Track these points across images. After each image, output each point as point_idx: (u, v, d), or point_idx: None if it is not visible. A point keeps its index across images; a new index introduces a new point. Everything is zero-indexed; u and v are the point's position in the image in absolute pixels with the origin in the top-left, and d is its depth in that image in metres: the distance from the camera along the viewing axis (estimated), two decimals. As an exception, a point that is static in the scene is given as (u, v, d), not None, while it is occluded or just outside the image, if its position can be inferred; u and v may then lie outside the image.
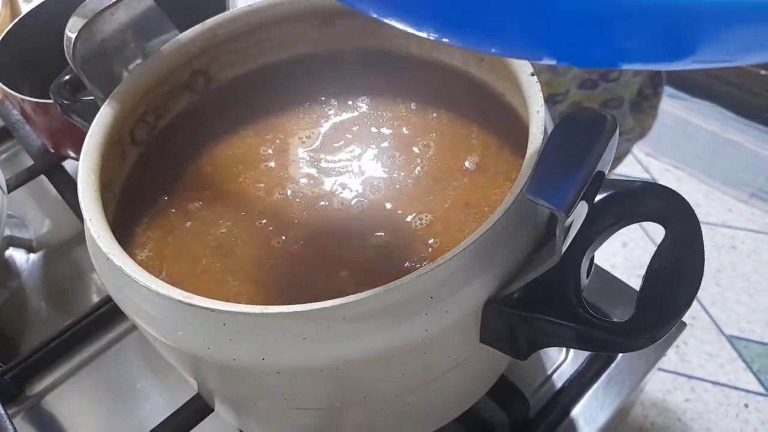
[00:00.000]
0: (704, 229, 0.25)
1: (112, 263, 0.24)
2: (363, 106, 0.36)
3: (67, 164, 0.53)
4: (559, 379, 0.40)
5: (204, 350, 0.24)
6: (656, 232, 1.29)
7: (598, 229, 0.26)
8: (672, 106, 1.53)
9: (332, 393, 0.26)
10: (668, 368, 1.10)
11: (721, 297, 1.19)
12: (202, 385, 0.31)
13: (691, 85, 1.53)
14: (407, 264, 0.27)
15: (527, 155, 0.26)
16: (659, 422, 1.06)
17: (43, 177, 0.53)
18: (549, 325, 0.24)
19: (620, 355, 0.40)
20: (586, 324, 0.23)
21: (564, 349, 0.41)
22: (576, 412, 0.39)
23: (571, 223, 0.21)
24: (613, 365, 0.40)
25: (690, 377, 1.11)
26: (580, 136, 0.22)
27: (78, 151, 0.50)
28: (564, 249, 0.21)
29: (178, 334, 0.24)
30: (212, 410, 0.36)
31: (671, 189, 0.26)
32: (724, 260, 1.24)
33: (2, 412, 0.38)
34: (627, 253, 1.26)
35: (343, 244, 0.29)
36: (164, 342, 0.25)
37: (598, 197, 0.26)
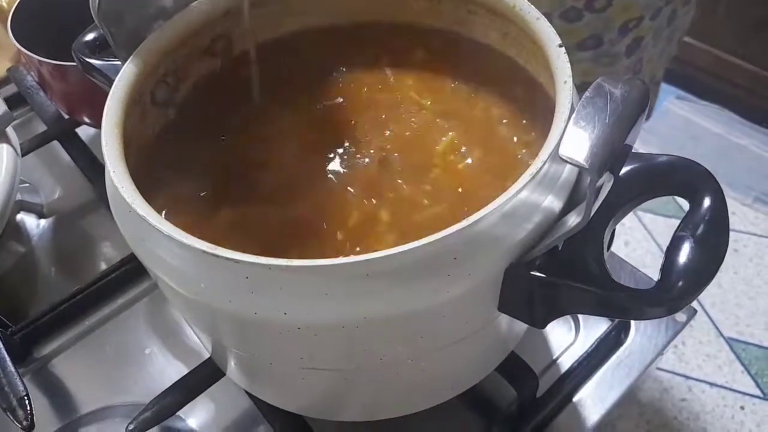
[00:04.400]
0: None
1: (136, 213, 0.24)
2: (384, 76, 0.36)
3: (81, 131, 0.53)
4: (568, 360, 0.40)
5: (226, 303, 0.24)
6: (659, 231, 1.29)
7: (622, 200, 0.26)
8: (679, 107, 1.53)
9: (350, 352, 0.26)
10: (666, 368, 1.11)
11: (721, 299, 1.19)
12: (217, 342, 0.31)
13: (699, 88, 1.53)
14: (428, 225, 0.27)
15: (554, 123, 0.25)
16: (656, 420, 1.07)
17: (55, 143, 0.53)
18: (571, 290, 0.24)
19: (629, 337, 0.40)
20: (608, 289, 0.23)
21: (573, 330, 0.41)
22: (584, 392, 0.39)
23: (601, 186, 0.21)
24: (622, 348, 0.40)
25: (687, 377, 1.11)
26: (613, 104, 0.22)
27: (93, 116, 0.50)
28: (593, 212, 0.21)
29: (200, 287, 0.24)
30: (223, 375, 0.36)
31: (697, 162, 0.26)
32: (726, 262, 1.23)
33: (12, 369, 0.38)
34: (629, 252, 1.26)
35: (366, 201, 0.29)
36: (185, 295, 0.25)
37: (624, 170, 0.26)
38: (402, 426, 0.34)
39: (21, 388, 0.37)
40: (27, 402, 0.36)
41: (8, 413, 0.35)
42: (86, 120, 0.51)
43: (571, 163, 0.20)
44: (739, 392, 1.09)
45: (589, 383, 0.39)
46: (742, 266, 1.24)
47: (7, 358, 0.39)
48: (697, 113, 1.52)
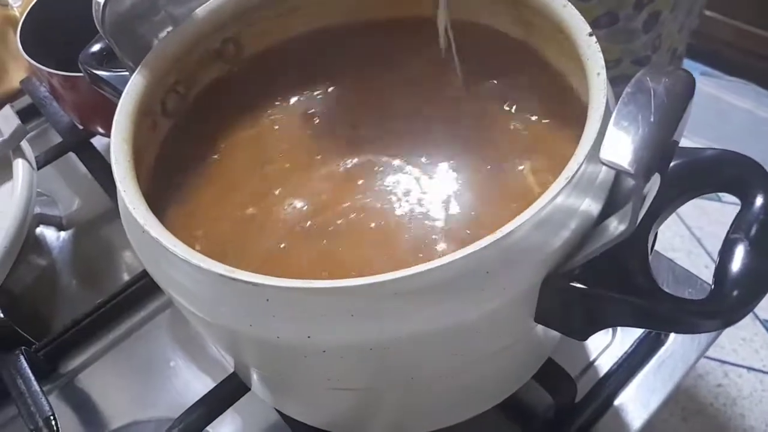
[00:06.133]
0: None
1: (149, 235, 0.23)
2: (401, 76, 0.35)
3: (96, 141, 0.52)
4: (606, 362, 0.38)
5: (246, 327, 0.23)
6: (689, 214, 1.25)
7: (666, 200, 0.24)
8: (705, 84, 1.48)
9: (378, 373, 0.25)
10: (700, 353, 1.08)
11: (756, 280, 1.16)
12: (239, 362, 0.29)
13: (724, 63, 1.48)
14: (458, 239, 0.26)
15: (588, 120, 0.24)
16: (690, 407, 1.04)
17: (71, 154, 0.52)
18: (614, 302, 0.22)
19: (671, 337, 0.38)
20: (656, 300, 0.21)
21: (610, 330, 0.40)
22: (625, 396, 0.37)
23: (648, 191, 0.20)
24: (663, 348, 0.38)
25: (723, 362, 1.08)
26: (657, 100, 0.20)
27: (106, 127, 0.49)
28: (639, 219, 0.20)
29: (219, 310, 0.23)
30: (249, 389, 0.35)
31: (747, 156, 0.24)
32: (760, 242, 1.20)
33: (38, 389, 0.37)
34: (659, 235, 1.23)
35: (387, 216, 0.27)
36: (203, 318, 0.24)
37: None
38: (435, 437, 0.33)
39: (47, 408, 0.36)
40: (53, 422, 0.36)
41: (35, 435, 0.34)
42: (99, 130, 0.50)
43: (614, 168, 0.18)
44: (778, 376, 1.06)
45: (630, 386, 0.37)
46: (777, 246, 1.20)
47: (32, 378, 0.38)
48: (723, 89, 1.47)
